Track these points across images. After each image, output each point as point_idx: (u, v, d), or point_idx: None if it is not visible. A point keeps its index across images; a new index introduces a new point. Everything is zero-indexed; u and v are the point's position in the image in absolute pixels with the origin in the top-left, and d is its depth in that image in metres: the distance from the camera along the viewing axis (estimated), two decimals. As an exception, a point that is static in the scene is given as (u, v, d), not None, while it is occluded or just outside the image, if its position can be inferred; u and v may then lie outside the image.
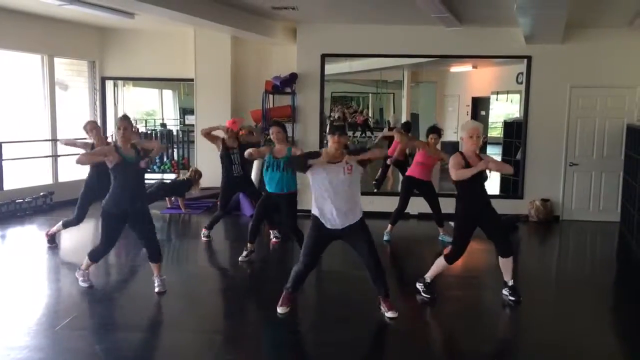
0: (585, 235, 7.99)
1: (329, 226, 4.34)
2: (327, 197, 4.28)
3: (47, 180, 8.93)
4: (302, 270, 4.51)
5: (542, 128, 8.26)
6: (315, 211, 4.37)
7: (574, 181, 8.37)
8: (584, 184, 8.36)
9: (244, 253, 6.09)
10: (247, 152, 5.78)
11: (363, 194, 4.55)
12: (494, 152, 9.40)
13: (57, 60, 9.02)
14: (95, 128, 6.46)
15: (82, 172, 9.56)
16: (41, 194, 8.52)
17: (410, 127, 9.20)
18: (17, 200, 8.14)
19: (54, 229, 6.55)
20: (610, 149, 8.22)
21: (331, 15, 7.78)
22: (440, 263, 4.95)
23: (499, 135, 9.64)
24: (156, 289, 5.05)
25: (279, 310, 4.56)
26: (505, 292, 4.97)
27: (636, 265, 6.29)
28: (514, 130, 8.74)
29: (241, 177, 6.83)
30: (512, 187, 8.65)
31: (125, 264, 6.22)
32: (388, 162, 7.76)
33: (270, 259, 6.66)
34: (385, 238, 6.93)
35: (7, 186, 8.26)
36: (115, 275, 5.94)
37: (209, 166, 9.02)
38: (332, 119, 10.22)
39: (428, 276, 5.02)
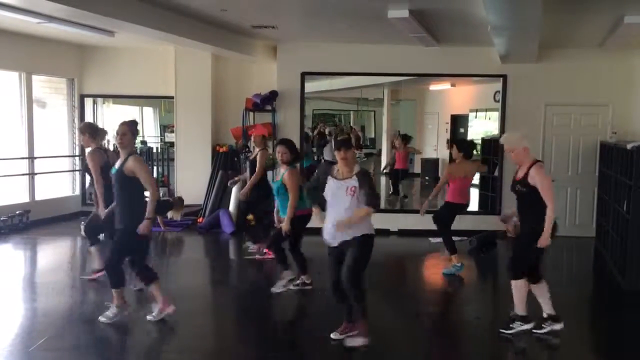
0: (562, 250, 8.08)
1: (328, 240, 4.22)
2: (329, 206, 4.24)
3: (24, 198, 8.80)
4: (330, 289, 4.34)
5: (518, 145, 8.39)
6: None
7: (550, 197, 8.49)
8: (560, 199, 8.44)
9: (283, 282, 5.55)
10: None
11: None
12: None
13: (35, 77, 8.94)
14: None
15: (59, 191, 9.54)
16: (17, 212, 8.39)
17: (410, 138, 9.69)
18: (-8, 219, 8.02)
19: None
20: (585, 165, 8.39)
21: (311, 33, 7.87)
22: (516, 287, 4.58)
23: (477, 153, 9.78)
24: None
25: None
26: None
27: (611, 280, 6.39)
28: (492, 148, 8.87)
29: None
30: (490, 203, 8.77)
31: (103, 284, 6.12)
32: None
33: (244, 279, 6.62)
34: (447, 272, 6.35)
35: (-18, 205, 8.14)
36: (92, 295, 5.85)
37: (189, 183, 9.00)
38: (314, 135, 10.29)
39: (518, 310, 4.58)
